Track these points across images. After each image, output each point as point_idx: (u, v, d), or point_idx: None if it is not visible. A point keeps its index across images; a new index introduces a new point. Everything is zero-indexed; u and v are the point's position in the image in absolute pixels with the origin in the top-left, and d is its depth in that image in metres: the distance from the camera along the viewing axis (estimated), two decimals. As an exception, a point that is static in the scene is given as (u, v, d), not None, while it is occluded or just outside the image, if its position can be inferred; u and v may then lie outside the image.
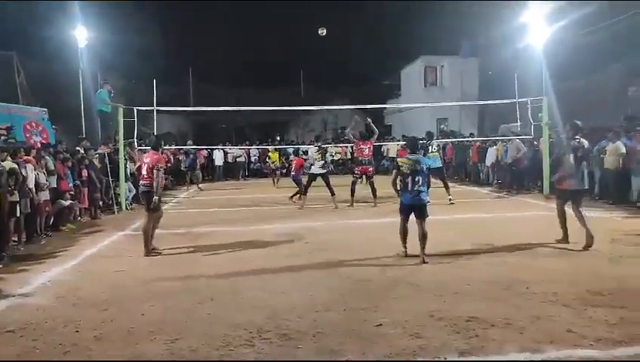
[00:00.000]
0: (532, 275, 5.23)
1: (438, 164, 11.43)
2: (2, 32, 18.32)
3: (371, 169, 11.24)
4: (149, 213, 6.71)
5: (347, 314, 4.22)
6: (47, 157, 8.62)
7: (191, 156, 16.98)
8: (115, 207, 11.01)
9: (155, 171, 6.64)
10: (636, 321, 3.89)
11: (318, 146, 11.15)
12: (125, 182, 11.52)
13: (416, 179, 5.87)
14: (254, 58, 34.30)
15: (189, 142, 21.77)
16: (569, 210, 6.75)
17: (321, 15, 34.12)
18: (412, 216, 6.10)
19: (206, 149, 20.66)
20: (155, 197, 6.66)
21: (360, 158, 11.13)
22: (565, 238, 6.80)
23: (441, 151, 12.33)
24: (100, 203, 10.75)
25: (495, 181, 15.06)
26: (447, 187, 11.43)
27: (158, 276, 5.60)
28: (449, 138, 19.93)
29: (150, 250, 6.67)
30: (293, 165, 12.64)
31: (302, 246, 7.07)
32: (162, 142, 7.54)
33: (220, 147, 21.00)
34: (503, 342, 3.57)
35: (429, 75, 29.14)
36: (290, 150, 23.35)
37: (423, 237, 5.90)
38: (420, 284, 5.01)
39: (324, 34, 12.53)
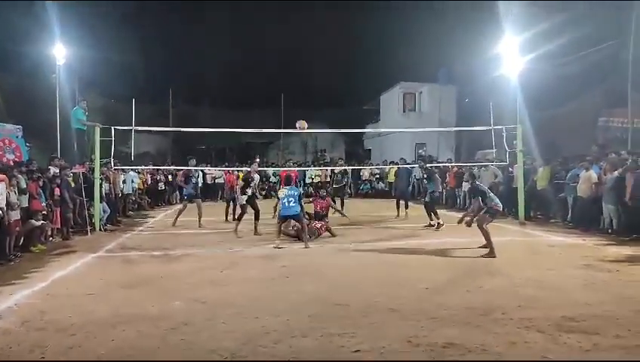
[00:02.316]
0: (508, 301, 5.26)
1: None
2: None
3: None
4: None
5: (324, 339, 4.16)
6: (19, 176, 8.40)
7: (192, 182, 13.11)
8: (89, 227, 10.74)
9: None
10: (609, 347, 3.94)
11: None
12: (100, 202, 11.28)
13: (289, 200, 9.03)
14: (235, 80, 34.44)
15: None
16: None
17: (303, 39, 34.66)
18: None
19: (185, 170, 20.43)
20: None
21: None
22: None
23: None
24: (72, 223, 10.49)
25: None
26: (434, 213, 11.54)
27: (131, 300, 5.45)
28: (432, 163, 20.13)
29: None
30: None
31: (278, 270, 6.99)
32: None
33: (198, 168, 20.83)
34: (479, 369, 3.56)
35: (408, 101, 29.70)
36: (271, 171, 23.42)
37: (303, 231, 9.18)
38: (398, 309, 4.99)
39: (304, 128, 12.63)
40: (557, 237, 10.10)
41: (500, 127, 12.79)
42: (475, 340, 4.09)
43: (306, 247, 8.82)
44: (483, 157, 16.54)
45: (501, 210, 8.45)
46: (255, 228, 10.54)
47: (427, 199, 11.86)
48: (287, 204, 9.07)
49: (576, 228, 10.95)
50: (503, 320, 4.62)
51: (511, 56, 13.79)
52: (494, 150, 13.40)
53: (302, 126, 12.14)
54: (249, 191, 10.69)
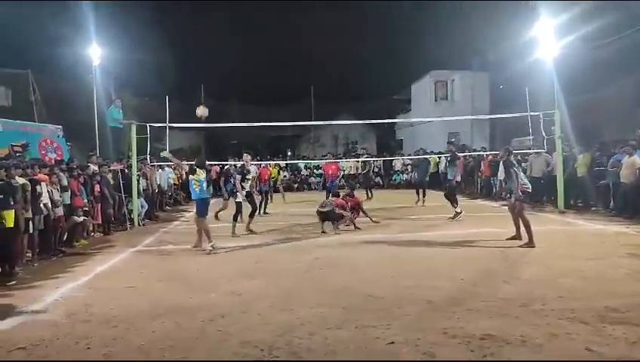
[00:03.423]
0: (548, 291, 5.12)
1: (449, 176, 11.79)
2: (17, 50, 18.76)
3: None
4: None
5: (359, 331, 4.16)
6: (61, 174, 8.71)
7: (231, 181, 12.72)
8: (128, 223, 11.07)
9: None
10: (657, 339, 3.78)
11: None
12: (138, 198, 11.59)
13: (203, 186, 8.21)
14: (265, 74, 34.68)
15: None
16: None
17: (332, 29, 34.51)
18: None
19: (218, 165, 20.79)
20: None
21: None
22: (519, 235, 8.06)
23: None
24: (113, 219, 10.83)
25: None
26: (453, 201, 11.38)
27: (169, 292, 5.59)
28: (463, 151, 19.60)
29: None
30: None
31: (312, 262, 7.02)
32: None
33: (231, 162, 21.16)
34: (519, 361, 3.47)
35: (440, 90, 29.26)
36: (302, 165, 23.58)
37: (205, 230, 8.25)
38: (433, 301, 4.93)
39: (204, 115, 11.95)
40: (599, 225, 9.76)
41: (536, 113, 12.40)
42: (514, 332, 3.99)
43: (209, 252, 7.92)
44: (519, 144, 16.10)
45: (530, 191, 8.32)
46: (247, 225, 10.16)
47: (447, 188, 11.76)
48: (204, 188, 8.21)
49: (619, 215, 10.55)
50: (543, 311, 4.50)
51: (546, 40, 13.31)
52: (531, 137, 13.02)
53: (201, 113, 11.89)
54: (247, 186, 10.08)
